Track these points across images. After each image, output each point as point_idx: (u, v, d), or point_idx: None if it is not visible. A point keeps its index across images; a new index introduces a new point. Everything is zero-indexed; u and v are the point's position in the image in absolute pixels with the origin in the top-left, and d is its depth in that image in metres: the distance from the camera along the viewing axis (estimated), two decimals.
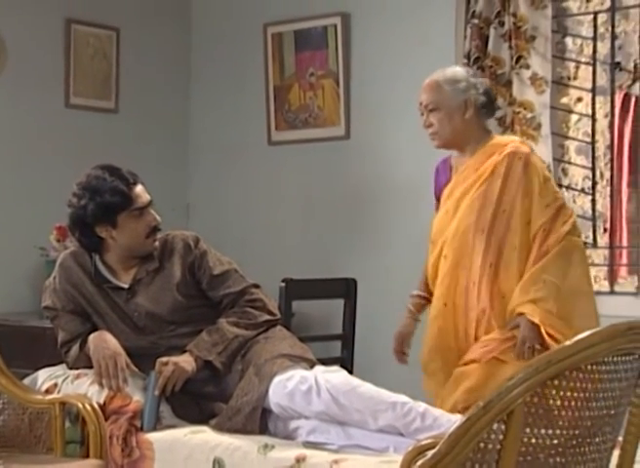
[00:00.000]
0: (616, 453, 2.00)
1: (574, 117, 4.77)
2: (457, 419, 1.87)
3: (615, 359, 1.84)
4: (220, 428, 2.93)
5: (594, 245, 4.40)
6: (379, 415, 2.76)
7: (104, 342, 3.12)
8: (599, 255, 4.52)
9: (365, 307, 4.55)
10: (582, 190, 4.67)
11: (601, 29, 4.49)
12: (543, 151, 4.17)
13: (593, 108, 4.41)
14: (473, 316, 3.13)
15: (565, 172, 4.67)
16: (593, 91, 4.40)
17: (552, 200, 3.14)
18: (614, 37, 4.35)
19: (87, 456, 2.90)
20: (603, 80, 4.52)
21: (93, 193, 3.11)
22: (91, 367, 3.12)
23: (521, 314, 3.04)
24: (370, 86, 4.76)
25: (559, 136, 4.49)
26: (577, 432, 1.82)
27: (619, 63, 4.49)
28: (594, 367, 1.80)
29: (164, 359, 3.04)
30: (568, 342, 1.78)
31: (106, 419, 2.96)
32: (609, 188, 4.46)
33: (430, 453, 1.73)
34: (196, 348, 3.08)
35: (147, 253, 3.20)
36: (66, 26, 4.85)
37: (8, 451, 2.97)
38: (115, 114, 5.06)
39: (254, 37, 5.09)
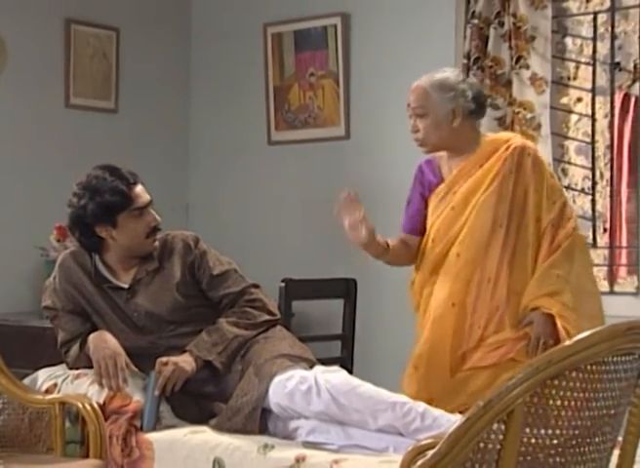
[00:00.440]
0: (616, 453, 2.00)
1: (574, 117, 4.77)
2: (456, 419, 1.87)
3: (615, 359, 1.84)
4: (220, 428, 2.93)
5: (594, 245, 4.39)
6: (378, 415, 2.76)
7: (104, 342, 3.12)
8: (599, 255, 4.52)
9: (365, 307, 4.55)
10: (582, 190, 4.67)
11: (601, 29, 4.49)
12: (543, 151, 4.16)
13: (593, 108, 4.41)
14: (483, 314, 3.10)
15: (565, 172, 4.67)
16: (593, 91, 4.40)
17: (559, 196, 3.19)
18: (613, 37, 4.35)
19: (87, 456, 2.90)
20: (603, 80, 4.52)
21: (93, 193, 3.11)
22: (91, 367, 3.13)
23: (534, 309, 3.06)
24: (370, 86, 4.77)
25: (559, 136, 4.49)
26: (576, 432, 1.82)
27: (618, 64, 4.49)
28: (594, 367, 1.80)
29: (164, 359, 3.04)
30: (568, 342, 1.78)
31: (106, 419, 2.96)
32: (609, 188, 4.46)
33: (430, 453, 1.73)
34: (196, 348, 3.08)
35: (147, 254, 3.21)
36: (66, 26, 4.85)
37: (8, 451, 2.97)
38: (115, 114, 5.06)
39: (254, 37, 5.09)
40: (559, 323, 3.03)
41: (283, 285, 4.25)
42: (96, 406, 2.93)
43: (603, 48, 4.48)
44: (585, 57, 4.61)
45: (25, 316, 4.44)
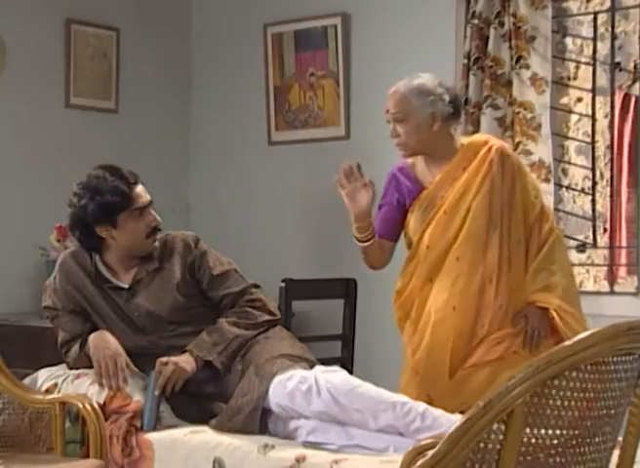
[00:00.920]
0: (616, 453, 2.00)
1: (574, 117, 4.78)
2: (456, 419, 1.87)
3: (615, 359, 1.84)
4: (221, 428, 2.93)
5: (594, 245, 4.40)
6: (379, 415, 2.76)
7: (105, 342, 3.12)
8: (599, 255, 4.52)
9: (365, 307, 4.55)
10: (582, 190, 4.67)
11: (601, 29, 4.50)
12: (544, 151, 4.17)
13: (593, 108, 4.41)
14: (487, 314, 3.12)
15: (565, 172, 4.68)
16: (593, 91, 4.40)
17: (537, 192, 3.27)
18: (614, 37, 4.35)
19: (87, 456, 2.90)
20: (603, 80, 4.52)
21: (93, 193, 3.11)
22: (91, 367, 3.13)
23: (529, 303, 3.12)
24: (370, 86, 4.76)
25: (559, 136, 4.49)
26: (577, 432, 1.82)
27: (618, 64, 4.49)
28: (594, 367, 1.80)
29: (164, 359, 3.05)
30: (568, 342, 1.78)
31: (106, 419, 2.96)
32: (609, 188, 4.46)
33: (430, 453, 1.73)
34: (196, 348, 3.08)
35: (147, 254, 3.21)
36: (66, 27, 4.85)
37: (8, 451, 2.97)
38: (115, 114, 5.06)
39: (254, 37, 5.09)
40: (556, 316, 3.10)
41: (283, 285, 4.26)
42: (96, 406, 2.93)
43: (603, 48, 4.48)
44: (586, 57, 4.61)
45: (26, 316, 4.44)
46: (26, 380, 3.20)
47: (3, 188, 4.64)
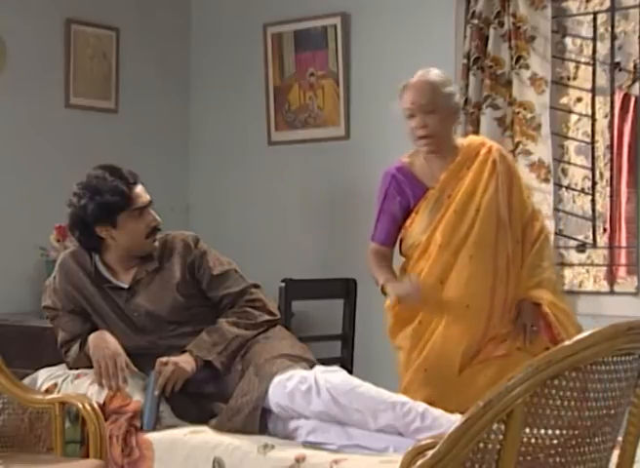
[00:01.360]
0: (615, 453, 2.00)
1: (573, 117, 4.77)
2: (456, 419, 1.87)
3: (614, 359, 1.84)
4: (220, 428, 2.93)
5: (594, 245, 4.40)
6: (378, 415, 2.76)
7: (104, 342, 3.12)
8: (599, 255, 4.52)
9: (365, 307, 4.55)
10: (582, 190, 4.67)
11: (601, 29, 4.49)
12: (543, 151, 4.17)
13: (593, 108, 4.41)
14: (498, 314, 3.14)
15: (565, 172, 4.67)
16: (593, 91, 4.40)
17: (528, 192, 3.37)
18: (613, 37, 4.35)
19: (87, 456, 2.90)
20: (603, 80, 4.52)
21: (93, 193, 3.11)
22: (91, 367, 3.13)
23: (523, 299, 3.17)
24: (370, 86, 4.76)
25: (559, 136, 4.49)
26: (576, 432, 1.82)
27: (618, 64, 4.49)
28: (594, 367, 1.80)
29: (164, 359, 3.05)
30: (568, 342, 1.78)
31: (106, 419, 2.96)
32: (608, 188, 4.46)
33: (430, 453, 1.73)
34: (196, 348, 3.09)
35: (147, 254, 3.21)
36: (66, 26, 4.85)
37: (8, 451, 2.97)
38: (115, 114, 5.06)
39: (254, 37, 5.09)
40: (549, 312, 3.15)
41: (283, 285, 4.26)
42: (96, 406, 2.93)
43: (603, 48, 4.48)
44: (585, 57, 4.61)
45: (25, 316, 4.44)
46: (26, 380, 3.20)
47: (3, 188, 4.64)
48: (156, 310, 3.17)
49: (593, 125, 4.41)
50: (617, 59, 4.45)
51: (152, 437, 2.95)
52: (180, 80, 5.35)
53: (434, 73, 3.21)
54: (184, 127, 5.37)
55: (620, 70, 4.55)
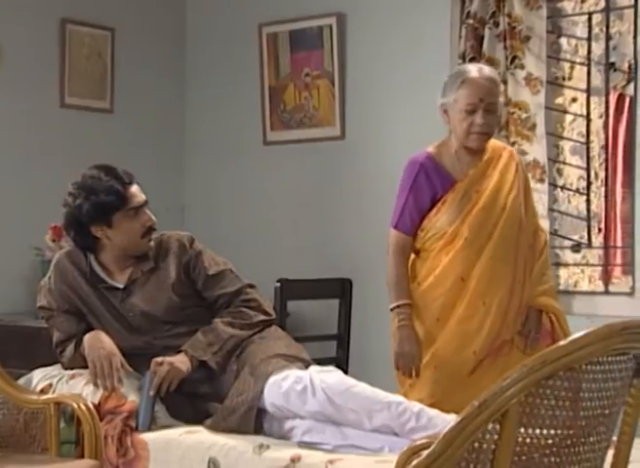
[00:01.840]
0: (610, 453, 2.01)
1: (568, 117, 4.77)
2: (451, 419, 1.87)
3: (609, 359, 1.84)
4: (216, 428, 2.93)
5: (589, 245, 4.40)
6: (374, 415, 2.76)
7: (100, 342, 3.12)
8: (594, 256, 4.52)
9: (360, 307, 4.55)
10: (577, 190, 4.67)
11: (596, 30, 4.49)
12: (538, 151, 4.18)
13: (588, 109, 4.42)
14: (512, 316, 3.16)
15: (560, 172, 4.67)
16: (588, 91, 4.40)
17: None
18: (608, 38, 4.35)
19: (82, 456, 2.90)
20: (598, 80, 4.52)
21: (88, 193, 3.11)
22: (86, 367, 3.13)
23: (530, 306, 3.19)
24: (365, 86, 4.77)
25: (554, 136, 4.49)
26: (571, 432, 1.82)
27: (613, 64, 4.49)
28: (589, 367, 1.80)
29: (159, 359, 3.04)
30: (562, 342, 1.78)
31: (101, 419, 2.96)
32: (603, 188, 4.46)
33: (425, 453, 1.73)
34: (191, 348, 3.08)
35: (142, 253, 3.21)
36: (61, 26, 4.85)
37: (3, 451, 2.97)
38: (110, 114, 5.06)
39: (249, 37, 5.09)
40: (555, 320, 3.20)
41: (278, 285, 4.26)
42: (91, 406, 2.93)
43: (598, 48, 4.48)
44: (580, 57, 4.61)
45: (20, 316, 4.43)
46: (21, 380, 3.20)
47: None
48: (151, 310, 3.17)
49: (588, 125, 4.41)
50: (611, 60, 4.45)
51: (147, 437, 2.95)
52: (175, 80, 5.35)
53: (492, 70, 3.22)
54: (180, 127, 5.36)
55: (615, 70, 4.55)
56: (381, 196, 4.58)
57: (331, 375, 2.89)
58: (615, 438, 2.00)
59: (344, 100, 4.83)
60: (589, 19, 4.41)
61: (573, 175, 4.81)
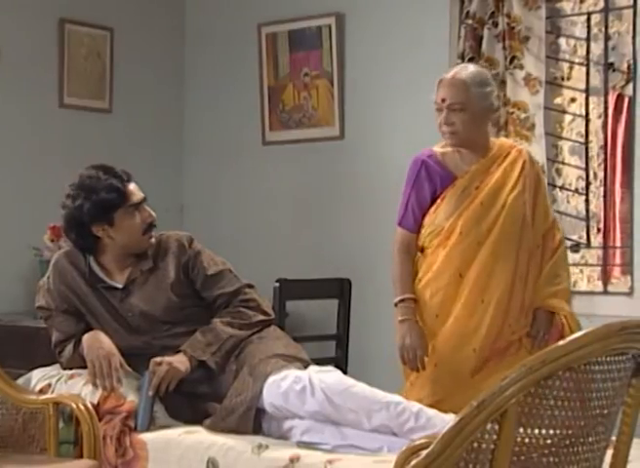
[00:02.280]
0: (609, 453, 2.01)
1: (567, 117, 4.77)
2: (450, 419, 1.87)
3: (608, 359, 1.84)
4: (215, 428, 2.93)
5: (588, 245, 4.40)
6: (373, 415, 2.76)
7: (98, 342, 3.12)
8: (593, 256, 4.52)
9: (359, 307, 4.55)
10: (576, 190, 4.67)
11: (594, 30, 4.49)
12: (537, 151, 4.18)
13: (587, 109, 4.42)
14: (514, 314, 3.15)
15: (559, 172, 4.67)
16: (587, 91, 4.40)
17: (550, 201, 3.40)
18: (607, 38, 4.35)
19: (81, 456, 2.90)
20: (597, 81, 4.52)
21: (88, 192, 3.11)
22: (85, 367, 3.12)
23: (539, 307, 3.18)
24: (364, 86, 4.77)
25: (553, 136, 4.50)
26: (570, 432, 1.82)
27: (612, 64, 4.49)
28: (588, 366, 1.80)
29: (158, 359, 3.04)
30: (561, 342, 1.78)
31: (100, 419, 2.96)
32: (602, 188, 4.46)
33: (424, 453, 1.73)
34: (190, 348, 3.08)
35: (144, 251, 3.20)
36: (60, 26, 4.85)
37: (1, 451, 2.96)
38: (109, 114, 5.06)
39: (248, 37, 5.08)
40: (565, 322, 3.17)
41: (277, 285, 4.25)
42: (89, 406, 2.93)
43: (597, 48, 4.48)
44: (579, 57, 4.61)
45: (19, 316, 4.43)
46: (20, 380, 3.20)
47: None
48: (150, 310, 3.17)
49: (587, 125, 4.41)
50: (610, 60, 4.45)
51: (146, 437, 2.95)
52: (174, 80, 5.35)
53: (471, 71, 3.20)
54: (179, 127, 5.36)
55: (614, 71, 4.55)
56: (381, 196, 4.59)
57: (330, 375, 2.89)
58: (614, 438, 2.00)
59: (343, 100, 4.83)
60: (588, 20, 4.41)
61: (572, 176, 4.82)
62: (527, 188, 3.20)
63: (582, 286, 4.62)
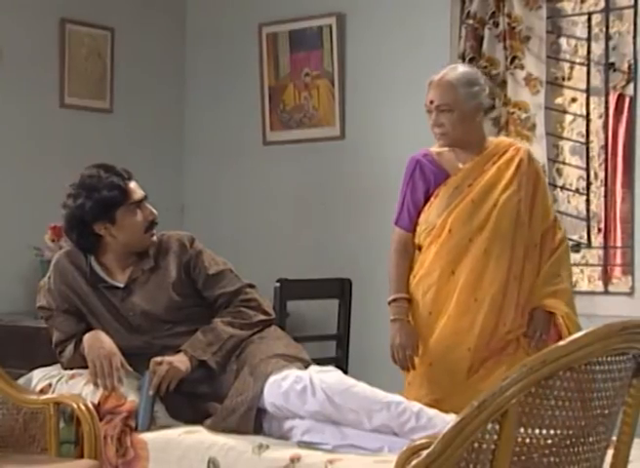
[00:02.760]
0: (610, 453, 2.01)
1: (568, 117, 4.78)
2: (451, 419, 1.87)
3: (609, 359, 1.84)
4: (215, 428, 2.93)
5: (588, 245, 4.40)
6: (373, 415, 2.76)
7: (99, 342, 3.12)
8: (593, 256, 4.53)
9: (360, 307, 4.55)
10: (577, 190, 4.67)
11: (595, 30, 4.49)
12: (538, 151, 4.17)
13: (588, 109, 4.42)
14: (509, 313, 3.14)
15: (559, 172, 4.68)
16: (587, 91, 4.40)
17: (552, 200, 3.35)
18: (608, 38, 4.35)
19: (81, 456, 2.90)
20: (597, 80, 4.52)
21: (89, 191, 3.11)
22: (85, 367, 3.12)
23: (537, 307, 3.16)
24: (365, 86, 4.77)
25: (554, 136, 4.50)
26: (571, 432, 1.82)
27: (613, 64, 4.49)
28: (588, 367, 1.80)
29: (158, 358, 3.04)
30: (562, 342, 1.78)
31: (101, 419, 2.96)
32: (603, 188, 4.47)
33: (424, 453, 1.73)
34: (191, 348, 3.08)
35: (146, 249, 3.20)
36: (61, 26, 4.85)
37: (2, 451, 2.97)
38: (110, 114, 5.06)
39: (249, 37, 5.09)
40: (563, 323, 3.15)
41: (278, 285, 4.25)
42: (90, 406, 2.93)
43: (597, 48, 4.48)
44: (580, 57, 4.62)
45: (20, 316, 4.43)
46: (21, 380, 3.20)
47: None
48: (152, 309, 3.17)
49: (588, 125, 4.42)
50: (611, 60, 4.45)
51: (147, 437, 2.95)
52: (174, 80, 5.35)
53: (458, 72, 3.20)
54: (179, 127, 5.36)
55: (615, 71, 4.56)
56: (381, 196, 4.59)
57: (330, 375, 2.89)
58: (614, 438, 2.00)
59: (344, 100, 4.83)
60: (589, 20, 4.41)
61: (572, 176, 4.82)
62: (522, 187, 3.19)
63: (583, 286, 4.63)
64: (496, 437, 1.75)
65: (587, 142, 4.43)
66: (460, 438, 1.71)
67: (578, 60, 4.63)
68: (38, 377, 3.21)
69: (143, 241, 3.19)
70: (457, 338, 3.12)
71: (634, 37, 4.19)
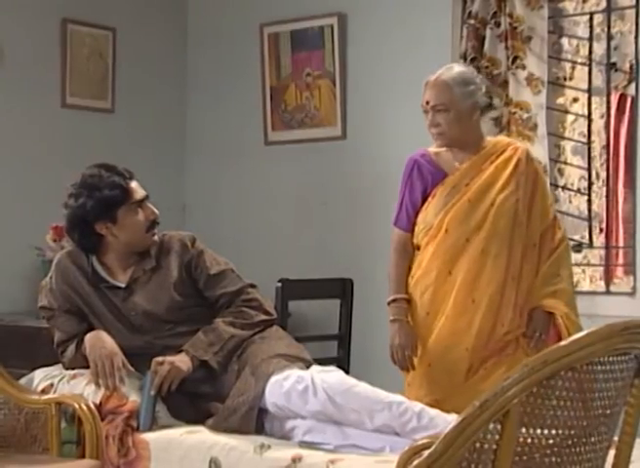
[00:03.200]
0: (611, 453, 2.01)
1: (570, 117, 4.78)
2: (453, 419, 1.87)
3: (610, 359, 1.84)
4: (217, 428, 2.93)
5: (590, 245, 4.40)
6: (375, 415, 2.76)
7: (101, 342, 3.12)
8: (595, 256, 4.53)
9: (361, 307, 4.55)
10: (578, 190, 4.67)
11: (597, 30, 4.49)
12: (540, 151, 4.18)
13: (589, 109, 4.42)
14: (507, 314, 3.13)
15: (561, 172, 4.68)
16: (589, 91, 4.40)
17: (552, 200, 3.34)
18: (609, 38, 4.36)
19: (83, 456, 2.90)
20: (599, 80, 4.52)
21: (91, 190, 3.12)
22: (87, 367, 3.12)
23: (536, 307, 3.15)
24: (366, 86, 4.77)
25: (555, 136, 4.50)
26: (572, 432, 1.82)
27: (614, 64, 4.49)
28: (590, 367, 1.80)
29: (160, 358, 3.04)
30: (563, 342, 1.78)
31: (102, 419, 2.96)
32: (605, 188, 4.47)
33: (426, 453, 1.73)
34: (192, 348, 3.08)
35: (147, 249, 3.21)
36: (62, 26, 4.85)
37: (4, 451, 2.97)
38: (111, 114, 5.06)
39: (250, 37, 5.09)
40: (562, 323, 3.13)
41: (279, 285, 4.25)
42: (92, 406, 2.93)
43: (599, 48, 4.48)
44: (581, 57, 4.62)
45: (21, 316, 4.43)
46: (22, 380, 3.20)
47: None
48: (153, 309, 3.17)
49: (589, 125, 4.42)
50: (613, 60, 4.46)
51: (148, 437, 2.95)
52: (176, 80, 5.35)
53: (454, 71, 3.20)
54: (181, 127, 5.36)
55: (617, 71, 4.56)
56: (382, 196, 4.59)
57: (332, 375, 2.89)
58: (616, 438, 2.00)
59: (345, 100, 4.83)
60: (591, 20, 4.41)
61: (574, 176, 4.82)
62: (521, 186, 3.18)
63: (585, 286, 4.63)
64: (497, 437, 1.75)
65: (589, 142, 4.43)
66: (461, 438, 1.71)
67: (579, 60, 4.63)
68: (40, 377, 3.21)
69: (145, 240, 3.19)
70: (454, 339, 3.11)
71: (636, 37, 4.19)
